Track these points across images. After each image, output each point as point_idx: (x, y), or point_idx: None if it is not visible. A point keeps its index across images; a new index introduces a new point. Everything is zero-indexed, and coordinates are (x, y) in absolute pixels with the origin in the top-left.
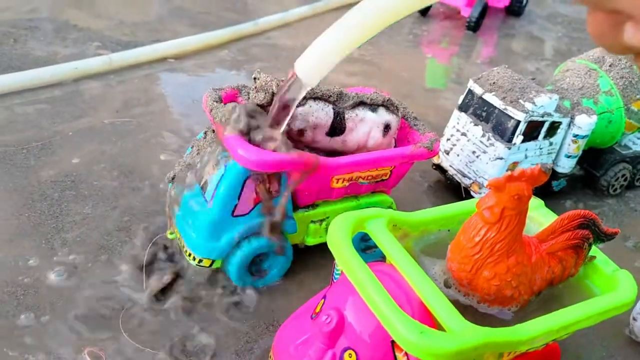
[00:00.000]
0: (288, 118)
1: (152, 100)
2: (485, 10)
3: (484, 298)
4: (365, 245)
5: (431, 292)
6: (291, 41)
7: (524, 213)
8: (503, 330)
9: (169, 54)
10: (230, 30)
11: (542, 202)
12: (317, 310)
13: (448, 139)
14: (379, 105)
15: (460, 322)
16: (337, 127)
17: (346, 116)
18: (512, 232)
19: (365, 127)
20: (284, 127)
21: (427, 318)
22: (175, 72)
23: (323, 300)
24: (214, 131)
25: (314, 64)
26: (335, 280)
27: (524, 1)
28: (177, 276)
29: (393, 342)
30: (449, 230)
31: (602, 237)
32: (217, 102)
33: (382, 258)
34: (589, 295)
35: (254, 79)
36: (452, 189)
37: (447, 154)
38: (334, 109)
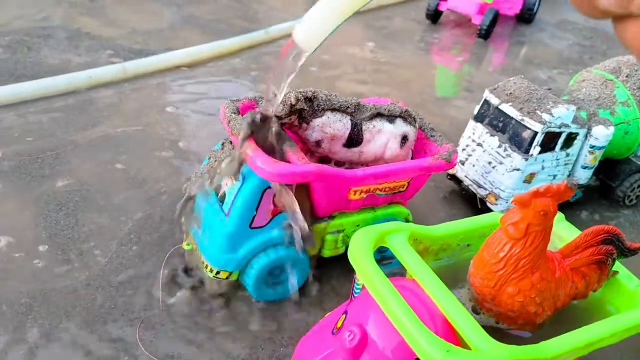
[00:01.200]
0: (286, 86)
1: (165, 108)
2: (496, 18)
3: (507, 314)
4: (381, 256)
5: (456, 309)
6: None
7: (549, 229)
8: (529, 348)
9: (181, 63)
10: (241, 39)
11: (562, 215)
12: (339, 325)
13: (463, 149)
14: (396, 117)
15: (486, 341)
16: (355, 139)
17: (364, 127)
18: (537, 248)
19: (383, 138)
20: (282, 95)
21: (451, 335)
22: (188, 80)
23: (344, 315)
24: (231, 142)
25: (311, 30)
26: (355, 295)
27: (535, 9)
28: (193, 288)
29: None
30: (468, 245)
31: (625, 252)
32: (234, 113)
33: (399, 270)
34: (610, 311)
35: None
36: (467, 199)
37: (463, 164)
38: (351, 120)
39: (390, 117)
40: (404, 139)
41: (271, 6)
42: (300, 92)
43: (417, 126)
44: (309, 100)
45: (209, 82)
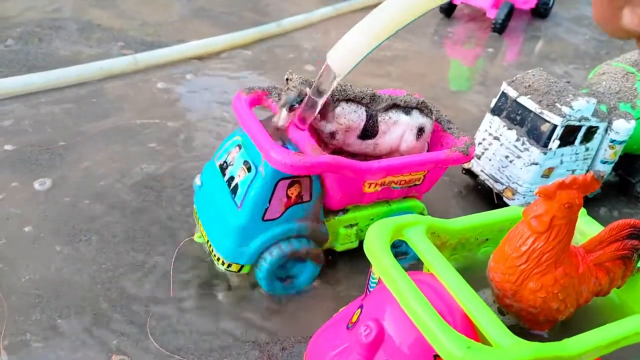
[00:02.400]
0: (318, 108)
1: (176, 100)
2: (511, 12)
3: (529, 310)
4: (395, 252)
5: (476, 304)
6: (314, 42)
7: (573, 222)
8: (552, 345)
9: (193, 55)
10: (253, 31)
11: (584, 210)
12: (354, 320)
13: (480, 143)
14: (412, 108)
15: (508, 337)
16: (370, 130)
17: (379, 119)
18: (561, 242)
19: (399, 130)
20: (314, 116)
21: (471, 331)
22: (199, 72)
23: (360, 310)
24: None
25: (345, 55)
26: (371, 289)
27: (550, 3)
28: (204, 281)
29: (436, 356)
30: (487, 240)
31: None
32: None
33: (413, 266)
34: (635, 308)
35: (287, 79)
36: (483, 194)
37: (479, 158)
38: (366, 111)
39: (407, 109)
40: (420, 130)
41: None
42: (313, 80)
43: (433, 118)
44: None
45: (220, 74)
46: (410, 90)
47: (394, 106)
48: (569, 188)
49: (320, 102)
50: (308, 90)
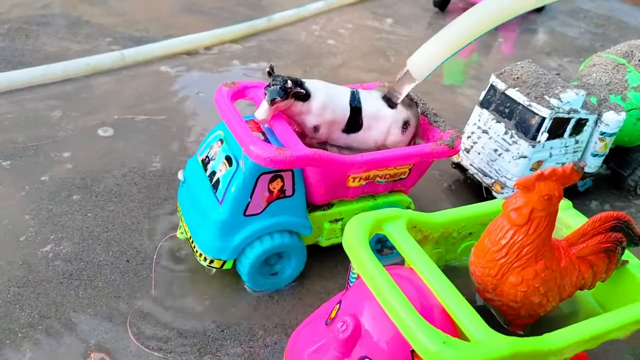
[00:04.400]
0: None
1: (164, 96)
2: None
3: (510, 305)
4: (381, 246)
5: (454, 299)
6: (305, 37)
7: (553, 215)
8: (531, 340)
9: (181, 50)
10: (243, 26)
11: (569, 202)
12: (333, 315)
13: (468, 137)
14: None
15: (485, 332)
16: (354, 124)
17: (363, 113)
18: (541, 235)
19: (384, 124)
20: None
21: (450, 327)
22: (187, 67)
23: (338, 305)
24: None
25: (424, 61)
26: (351, 284)
27: None
28: (185, 277)
29: (413, 351)
30: (470, 233)
31: (636, 240)
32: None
33: (400, 261)
34: (619, 301)
35: (268, 73)
36: (473, 188)
37: (468, 152)
38: (350, 104)
39: (391, 102)
40: (406, 124)
41: None
42: (290, 77)
43: (419, 111)
44: (297, 84)
45: (209, 69)
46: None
47: (379, 100)
48: (548, 180)
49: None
50: (290, 84)
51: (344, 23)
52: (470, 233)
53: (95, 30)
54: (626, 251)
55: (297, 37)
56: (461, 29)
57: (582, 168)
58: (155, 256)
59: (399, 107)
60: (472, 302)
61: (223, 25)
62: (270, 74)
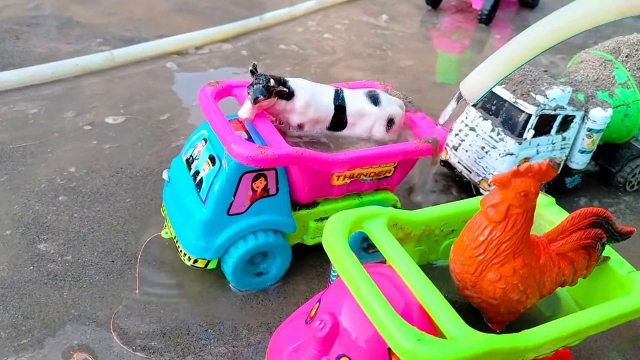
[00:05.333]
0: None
1: (154, 96)
2: (497, 3)
3: (489, 302)
4: (367, 244)
5: (431, 296)
6: (297, 35)
7: (531, 211)
8: (508, 337)
9: (172, 50)
10: (234, 25)
11: (553, 199)
12: (312, 314)
13: (456, 134)
14: (380, 99)
15: (462, 329)
16: (339, 122)
17: (347, 111)
18: (518, 232)
19: (368, 121)
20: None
21: (428, 325)
22: (178, 67)
23: (318, 304)
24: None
25: (475, 85)
26: (331, 283)
27: None
28: (170, 277)
29: (389, 349)
30: (453, 231)
31: (616, 236)
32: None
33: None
34: (601, 298)
35: (251, 72)
36: (462, 185)
37: (456, 149)
38: (334, 103)
39: (375, 99)
40: (390, 122)
41: None
42: (273, 76)
43: (404, 108)
44: (281, 82)
45: (199, 69)
46: (395, 83)
47: (363, 97)
48: (524, 176)
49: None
50: (273, 82)
51: (338, 20)
52: (453, 230)
53: (87, 31)
54: (607, 247)
55: (288, 36)
56: (514, 49)
57: (558, 165)
58: (139, 256)
59: (383, 104)
60: (458, 299)
61: (216, 24)
62: (253, 72)
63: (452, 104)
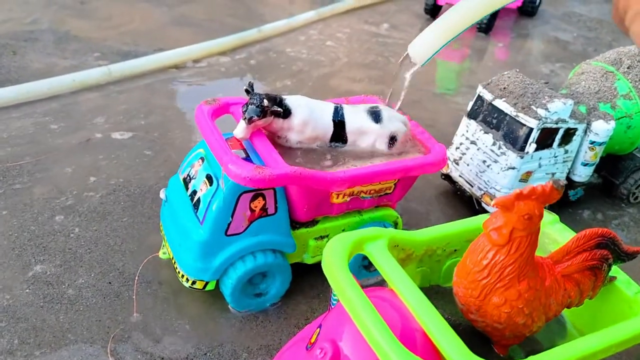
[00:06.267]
0: (403, 95)
1: (152, 111)
2: (497, 12)
3: (494, 326)
4: (368, 262)
5: (434, 322)
6: (295, 47)
7: (535, 234)
8: None
9: (169, 64)
10: (232, 38)
11: (556, 217)
12: (313, 340)
13: (457, 148)
14: (382, 116)
15: (467, 357)
16: (339, 139)
17: (347, 128)
18: (522, 255)
19: (369, 139)
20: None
21: (431, 351)
22: (176, 81)
23: (319, 329)
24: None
25: (423, 47)
26: (332, 306)
27: (537, 1)
28: (167, 299)
29: None
30: (455, 250)
31: (622, 256)
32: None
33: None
34: (608, 319)
35: (246, 91)
36: (463, 199)
37: (457, 163)
38: (333, 120)
39: (377, 116)
40: (392, 139)
41: (266, 4)
42: (268, 95)
43: (408, 125)
44: (277, 101)
45: (198, 82)
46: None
47: (363, 114)
48: (527, 199)
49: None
50: (267, 103)
51: (338, 30)
52: (455, 250)
53: (84, 46)
54: (614, 267)
55: (286, 48)
56: (458, 15)
57: (562, 186)
58: (137, 277)
59: (385, 121)
60: (461, 322)
61: (213, 37)
62: (248, 92)
63: (407, 75)
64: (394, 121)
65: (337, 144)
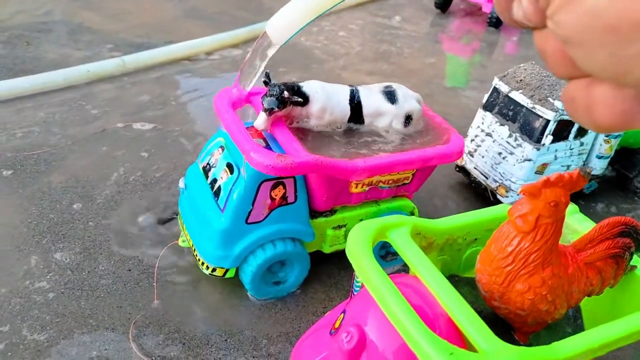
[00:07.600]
0: (256, 77)
1: (165, 102)
2: None
3: (517, 313)
4: (385, 252)
5: (460, 308)
6: (307, 40)
7: (560, 221)
8: (540, 350)
9: (182, 55)
10: (244, 31)
11: (576, 207)
12: (337, 325)
13: (472, 140)
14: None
15: (493, 342)
16: (356, 122)
17: (364, 111)
18: (547, 242)
19: (385, 120)
20: (251, 85)
21: (456, 336)
22: (189, 73)
23: (342, 315)
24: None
25: (282, 25)
26: (355, 293)
27: None
28: (187, 286)
29: None
30: (476, 239)
31: None
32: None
33: (403, 267)
34: (628, 308)
35: (264, 82)
36: (477, 191)
37: (472, 155)
38: (350, 104)
39: (392, 97)
40: (408, 118)
41: None
42: (287, 84)
43: (421, 102)
44: (294, 90)
45: (211, 74)
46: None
47: (379, 95)
48: (554, 186)
49: (262, 66)
50: (287, 94)
51: (347, 23)
52: (476, 239)
53: (97, 37)
54: (635, 257)
55: (298, 40)
56: None
57: (589, 174)
58: (157, 265)
59: (400, 101)
60: (483, 309)
61: (225, 29)
62: (266, 83)
63: (266, 54)
64: (409, 100)
65: (355, 125)
